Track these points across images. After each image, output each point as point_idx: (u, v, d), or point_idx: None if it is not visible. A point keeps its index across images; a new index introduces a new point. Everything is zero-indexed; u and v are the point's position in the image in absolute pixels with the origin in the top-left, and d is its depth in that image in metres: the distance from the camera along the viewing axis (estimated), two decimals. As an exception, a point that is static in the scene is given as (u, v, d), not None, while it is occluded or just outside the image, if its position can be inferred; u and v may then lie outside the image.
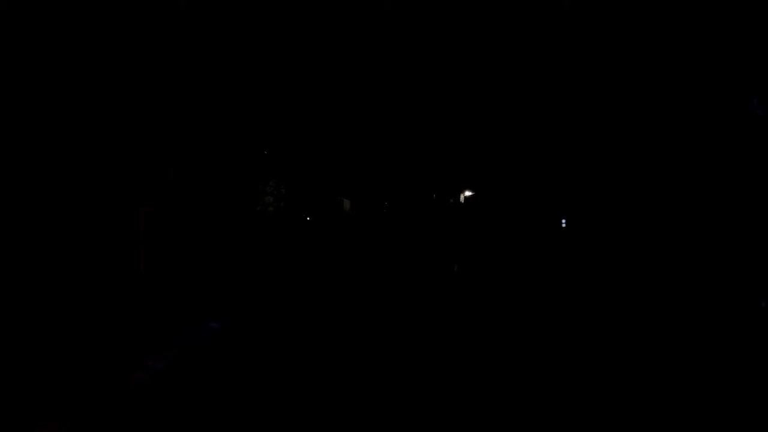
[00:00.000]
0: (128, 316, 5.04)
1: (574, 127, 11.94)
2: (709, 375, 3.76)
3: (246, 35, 7.53)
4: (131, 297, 5.31)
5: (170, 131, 6.25)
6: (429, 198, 20.29)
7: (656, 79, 8.65)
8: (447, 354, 4.18)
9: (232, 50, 7.49)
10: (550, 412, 3.05)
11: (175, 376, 3.51)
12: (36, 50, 4.35)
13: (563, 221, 15.76)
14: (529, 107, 12.45)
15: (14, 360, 3.53)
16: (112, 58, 5.17)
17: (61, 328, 4.29)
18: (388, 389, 3.34)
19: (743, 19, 7.05)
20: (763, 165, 7.13)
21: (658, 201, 9.15)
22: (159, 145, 5.96)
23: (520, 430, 2.83)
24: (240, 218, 8.65)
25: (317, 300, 6.60)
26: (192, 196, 6.77)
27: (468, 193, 22.56)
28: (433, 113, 13.17)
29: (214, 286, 7.09)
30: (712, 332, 5.05)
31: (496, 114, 13.46)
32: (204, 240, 7.05)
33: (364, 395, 3.24)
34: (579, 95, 10.14)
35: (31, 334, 4.01)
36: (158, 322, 4.88)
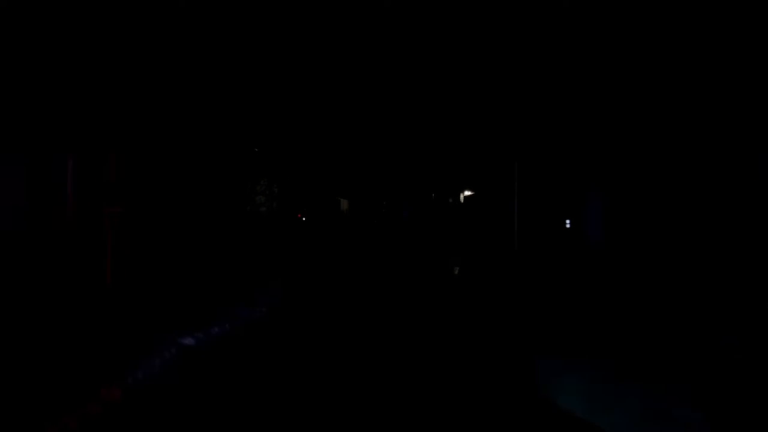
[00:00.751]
0: (87, 335, 4.50)
1: (579, 121, 11.47)
2: (715, 375, 3.45)
3: (236, 27, 7.02)
4: (91, 313, 4.77)
5: (144, 123, 5.71)
6: (429, 198, 19.82)
7: (665, 73, 8.19)
8: (446, 362, 3.67)
9: (220, 40, 6.97)
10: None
11: (134, 408, 2.97)
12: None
13: (567, 221, 15.28)
14: (531, 104, 12.01)
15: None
16: (84, 40, 4.64)
17: None
18: (384, 410, 2.82)
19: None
20: None
21: (664, 198, 8.69)
22: (129, 139, 5.42)
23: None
24: (228, 219, 8.11)
25: (313, 309, 6.07)
26: (171, 195, 6.23)
27: (468, 193, 22.10)
28: (433, 111, 12.71)
29: (194, 295, 6.56)
30: (717, 333, 4.65)
31: (496, 113, 13.00)
32: (184, 245, 6.50)
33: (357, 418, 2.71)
34: (584, 88, 9.66)
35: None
36: (126, 339, 4.34)
